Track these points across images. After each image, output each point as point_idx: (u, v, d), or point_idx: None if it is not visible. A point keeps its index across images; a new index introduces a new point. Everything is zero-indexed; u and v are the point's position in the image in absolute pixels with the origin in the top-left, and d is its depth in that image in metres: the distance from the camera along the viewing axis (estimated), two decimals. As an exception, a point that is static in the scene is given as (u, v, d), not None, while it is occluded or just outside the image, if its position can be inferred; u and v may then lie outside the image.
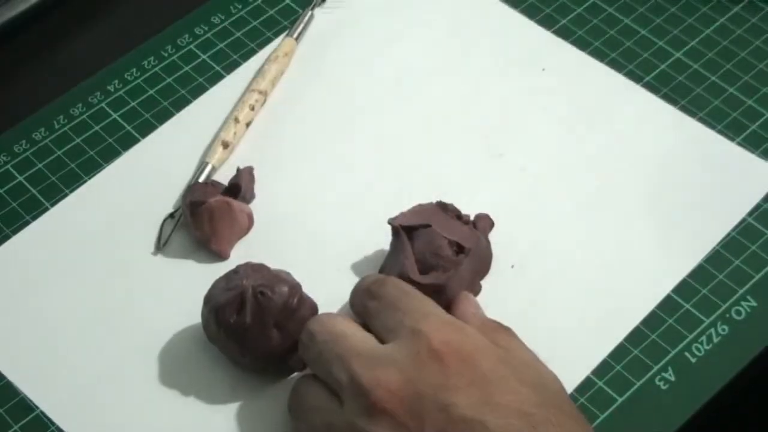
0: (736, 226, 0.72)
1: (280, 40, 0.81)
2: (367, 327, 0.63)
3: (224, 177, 0.74)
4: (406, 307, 0.61)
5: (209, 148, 0.76)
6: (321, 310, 0.66)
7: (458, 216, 0.70)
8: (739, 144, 0.76)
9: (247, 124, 0.77)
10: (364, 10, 0.83)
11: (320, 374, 0.62)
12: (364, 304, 0.64)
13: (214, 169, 0.75)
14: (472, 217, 0.70)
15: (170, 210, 0.73)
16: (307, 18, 0.82)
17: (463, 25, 0.82)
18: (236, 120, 0.76)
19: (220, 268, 0.68)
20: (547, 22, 0.82)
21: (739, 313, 0.69)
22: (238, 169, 0.74)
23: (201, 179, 0.74)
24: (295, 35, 0.81)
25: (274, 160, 0.76)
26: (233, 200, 0.72)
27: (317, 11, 0.83)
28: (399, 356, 0.58)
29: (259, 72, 0.79)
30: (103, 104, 0.79)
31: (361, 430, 0.57)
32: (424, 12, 0.83)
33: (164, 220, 0.72)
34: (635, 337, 0.68)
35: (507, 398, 0.57)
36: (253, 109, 0.77)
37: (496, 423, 0.56)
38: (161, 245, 0.71)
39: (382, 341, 0.61)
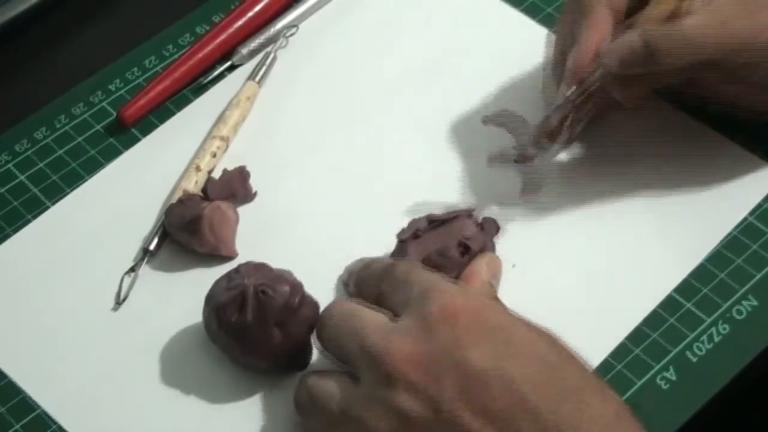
0: (737, 226, 0.72)
1: (242, 84, 0.80)
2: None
3: None
4: (415, 280, 0.62)
5: (169, 196, 0.74)
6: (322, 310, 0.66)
7: (469, 215, 0.70)
8: (739, 144, 0.76)
9: (209, 172, 0.75)
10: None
11: (335, 353, 0.62)
12: (378, 287, 0.64)
13: None
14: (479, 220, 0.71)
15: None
16: (269, 60, 0.80)
17: (464, 25, 0.82)
18: (197, 168, 0.75)
19: (222, 268, 0.68)
20: (547, 22, 0.82)
21: (740, 312, 0.69)
22: (225, 171, 0.74)
23: (162, 231, 0.73)
24: (257, 78, 0.79)
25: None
26: (218, 201, 0.72)
27: (280, 52, 0.81)
28: (410, 324, 0.59)
29: (221, 118, 0.77)
30: (104, 103, 0.79)
31: (381, 398, 0.58)
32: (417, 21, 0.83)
33: (123, 276, 0.71)
34: (636, 336, 0.68)
35: (520, 346, 0.58)
36: (214, 156, 0.76)
37: (514, 370, 0.56)
38: (121, 301, 0.70)
39: (396, 317, 0.61)
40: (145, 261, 0.72)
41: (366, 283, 0.65)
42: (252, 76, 0.80)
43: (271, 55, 0.81)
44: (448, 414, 0.56)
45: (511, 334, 0.58)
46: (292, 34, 0.82)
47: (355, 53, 0.82)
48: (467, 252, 0.68)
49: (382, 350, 0.58)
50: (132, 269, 0.71)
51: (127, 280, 0.71)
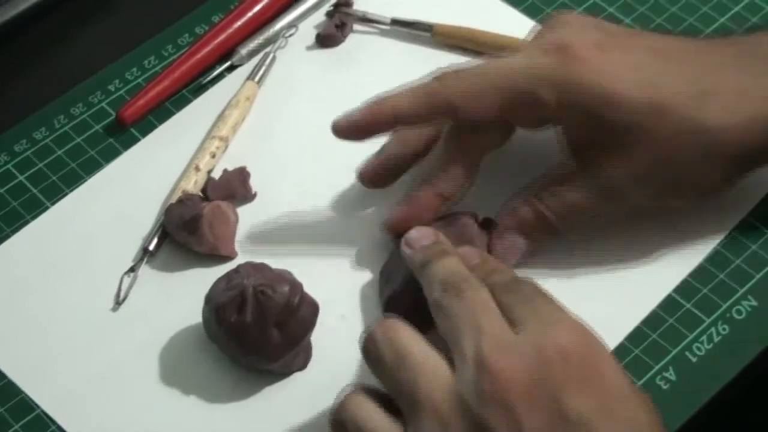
0: (737, 226, 0.72)
1: (242, 84, 0.79)
2: None
3: None
4: (540, 305, 0.59)
5: (169, 196, 0.74)
6: (322, 310, 0.66)
7: (471, 215, 0.70)
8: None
9: (209, 172, 0.75)
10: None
11: (449, 337, 0.58)
12: (500, 298, 0.60)
13: None
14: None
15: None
16: (269, 61, 0.80)
17: (465, 23, 0.82)
18: (197, 168, 0.75)
19: (221, 268, 0.68)
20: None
21: (739, 312, 0.69)
22: (225, 171, 0.74)
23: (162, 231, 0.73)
24: (257, 78, 0.79)
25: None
26: (218, 201, 0.72)
27: (279, 52, 0.81)
28: (527, 347, 0.57)
29: (220, 118, 0.77)
30: (103, 104, 0.79)
31: (472, 406, 0.55)
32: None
33: (122, 276, 0.71)
34: (636, 336, 0.68)
35: (623, 412, 0.56)
36: (214, 156, 0.75)
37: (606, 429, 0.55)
38: (120, 301, 0.70)
39: (513, 328, 0.58)
40: (144, 261, 0.72)
41: (495, 285, 0.62)
42: (251, 76, 0.80)
43: (271, 56, 0.81)
44: None
45: (619, 399, 0.56)
46: (291, 35, 0.82)
47: (355, 53, 0.82)
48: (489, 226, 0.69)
49: (491, 363, 0.56)
50: (132, 269, 0.71)
51: (127, 280, 0.71)
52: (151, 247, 0.72)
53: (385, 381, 0.59)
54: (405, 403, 0.57)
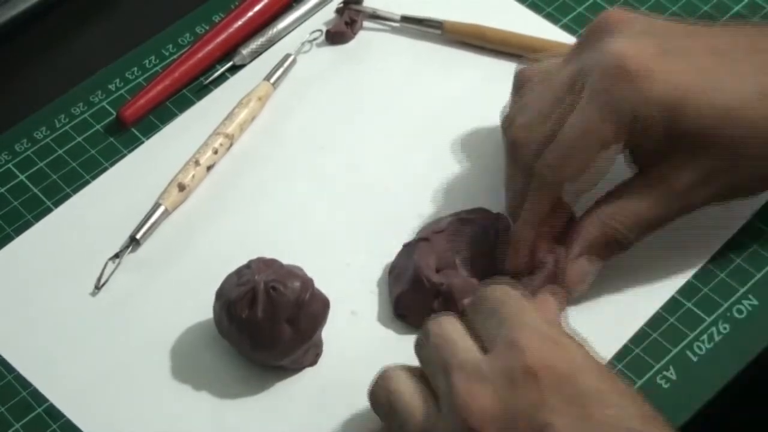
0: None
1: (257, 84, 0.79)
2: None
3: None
4: (505, 315, 0.59)
5: (166, 189, 0.74)
6: (332, 306, 0.66)
7: (486, 211, 0.71)
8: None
9: (209, 168, 0.75)
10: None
11: (428, 372, 0.60)
12: (469, 317, 0.61)
13: (167, 212, 0.74)
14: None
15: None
16: (288, 63, 0.80)
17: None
18: (196, 162, 0.75)
19: (232, 265, 0.68)
20: (552, 19, 0.82)
21: (740, 311, 0.69)
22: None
23: (152, 220, 0.73)
24: (273, 80, 0.79)
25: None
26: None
27: (300, 57, 0.81)
28: (495, 373, 0.57)
29: (229, 114, 0.77)
30: (104, 103, 0.79)
31: None
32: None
33: (107, 261, 0.71)
34: (637, 336, 0.68)
35: (607, 414, 0.56)
36: (216, 152, 0.75)
37: None
38: (100, 285, 0.71)
39: (484, 350, 0.59)
40: (129, 249, 0.72)
41: (467, 304, 0.62)
42: (268, 77, 0.79)
43: (291, 58, 0.80)
44: None
45: (600, 402, 0.56)
46: (315, 39, 0.82)
47: (364, 50, 0.82)
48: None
49: (462, 402, 0.56)
50: (116, 255, 0.71)
51: (111, 266, 0.71)
52: (139, 236, 0.72)
53: (386, 428, 0.61)
54: None
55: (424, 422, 0.58)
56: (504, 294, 0.61)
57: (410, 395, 0.59)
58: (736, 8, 0.82)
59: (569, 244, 0.67)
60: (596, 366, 0.58)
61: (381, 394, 0.60)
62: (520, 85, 0.72)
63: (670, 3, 0.83)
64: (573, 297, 0.68)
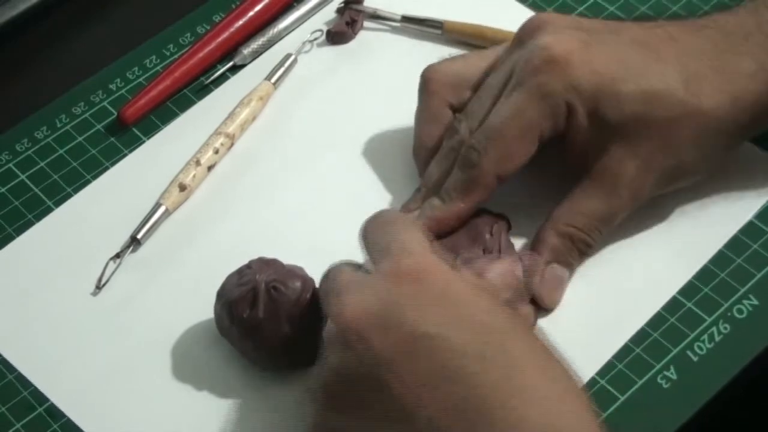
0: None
1: (258, 84, 0.79)
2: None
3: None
4: (391, 235, 0.61)
5: (167, 189, 0.74)
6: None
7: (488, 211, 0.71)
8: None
9: (210, 168, 0.75)
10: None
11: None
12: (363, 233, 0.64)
13: (167, 212, 0.74)
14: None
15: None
16: (289, 62, 0.80)
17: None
18: (197, 162, 0.75)
19: (233, 264, 0.68)
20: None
21: (740, 311, 0.69)
22: None
23: (152, 220, 0.73)
24: (274, 79, 0.79)
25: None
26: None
27: (301, 56, 0.81)
28: (374, 278, 0.59)
29: (230, 114, 0.77)
30: (105, 103, 0.79)
31: (339, 341, 0.58)
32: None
33: (108, 261, 0.71)
34: (638, 335, 0.68)
35: (478, 317, 0.57)
36: (217, 152, 0.76)
37: (460, 338, 0.56)
38: (101, 285, 0.71)
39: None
40: (130, 249, 0.72)
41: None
42: (269, 77, 0.79)
43: (292, 58, 0.80)
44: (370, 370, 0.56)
45: (468, 305, 0.58)
46: (316, 39, 0.82)
47: (365, 50, 0.82)
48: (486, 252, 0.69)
49: (336, 309, 0.58)
50: (117, 255, 0.71)
51: (112, 266, 0.71)
52: (140, 236, 0.72)
53: None
54: None
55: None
56: (392, 216, 0.64)
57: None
58: (706, 8, 0.83)
59: (534, 257, 0.69)
60: (471, 280, 0.60)
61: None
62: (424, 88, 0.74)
63: (639, 3, 0.83)
64: (550, 309, 0.69)
